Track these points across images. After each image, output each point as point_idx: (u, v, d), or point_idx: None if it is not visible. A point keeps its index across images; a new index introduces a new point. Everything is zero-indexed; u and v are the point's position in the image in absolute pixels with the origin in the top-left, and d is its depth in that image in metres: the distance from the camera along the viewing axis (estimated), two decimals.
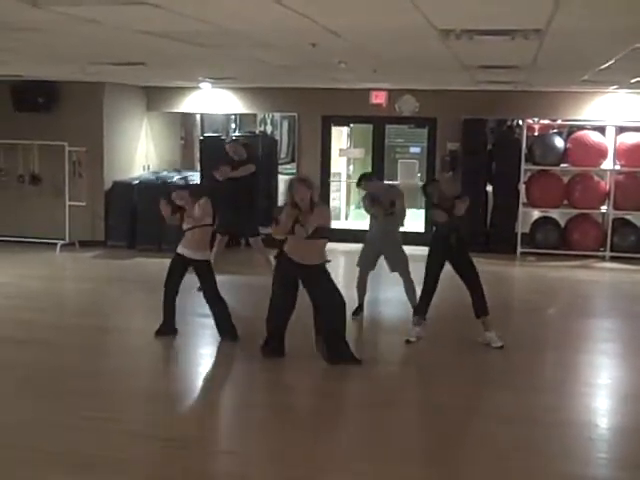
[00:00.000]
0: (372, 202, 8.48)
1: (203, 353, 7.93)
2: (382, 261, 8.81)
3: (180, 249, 7.80)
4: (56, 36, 5.97)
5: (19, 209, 13.06)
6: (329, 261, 7.42)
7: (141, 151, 13.99)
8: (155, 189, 12.46)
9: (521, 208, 12.91)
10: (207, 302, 7.85)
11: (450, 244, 7.78)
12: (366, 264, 8.78)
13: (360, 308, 8.80)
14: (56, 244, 12.59)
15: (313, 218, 6.90)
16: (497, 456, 5.38)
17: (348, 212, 16.59)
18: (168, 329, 7.88)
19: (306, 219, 6.88)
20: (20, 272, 11.14)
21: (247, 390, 6.83)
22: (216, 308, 7.80)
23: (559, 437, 5.73)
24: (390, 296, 9.43)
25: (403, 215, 8.64)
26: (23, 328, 8.28)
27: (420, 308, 7.99)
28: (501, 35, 5.47)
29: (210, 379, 7.27)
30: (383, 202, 8.44)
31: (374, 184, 8.86)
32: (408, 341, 7.87)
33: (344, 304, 7.19)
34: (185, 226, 7.75)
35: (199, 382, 7.21)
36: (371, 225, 8.82)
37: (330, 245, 12.29)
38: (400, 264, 8.67)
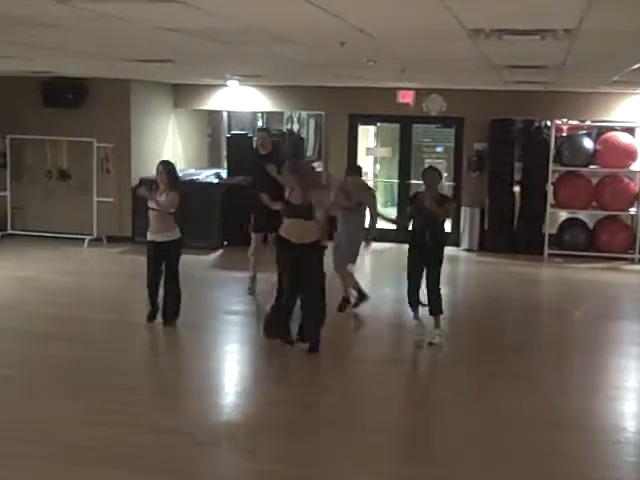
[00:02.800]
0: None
1: (229, 350, 7.94)
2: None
3: (150, 236, 8.08)
4: (82, 33, 5.99)
5: (47, 204, 13.18)
6: (325, 247, 7.69)
7: (168, 148, 14.04)
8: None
9: (548, 209, 12.81)
10: (165, 279, 8.11)
11: (425, 241, 7.76)
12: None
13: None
14: (84, 239, 12.67)
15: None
16: (525, 459, 5.35)
17: None
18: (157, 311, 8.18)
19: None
20: (48, 267, 11.23)
21: (270, 387, 6.83)
22: (171, 288, 8.10)
23: (587, 440, 5.69)
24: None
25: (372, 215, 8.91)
26: (51, 323, 8.35)
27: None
28: (531, 35, 5.41)
29: (235, 376, 7.28)
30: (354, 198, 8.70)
31: (355, 179, 9.02)
32: (431, 343, 7.81)
33: (323, 291, 7.47)
34: (150, 204, 8.07)
35: (224, 379, 7.22)
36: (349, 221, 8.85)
37: None
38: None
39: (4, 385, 6.50)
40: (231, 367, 7.53)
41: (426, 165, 14.48)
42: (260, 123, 15.71)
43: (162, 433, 5.58)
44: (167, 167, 8.24)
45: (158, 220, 8.00)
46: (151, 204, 8.07)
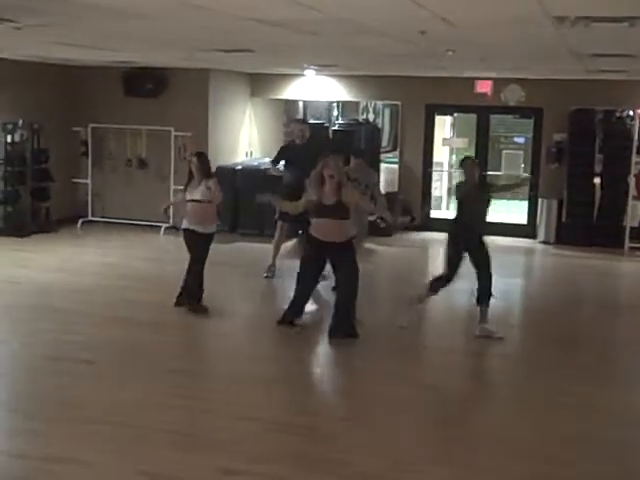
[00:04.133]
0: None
1: (301, 337, 7.97)
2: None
3: (188, 225, 8.28)
4: (167, 23, 6.09)
5: (126, 192, 13.46)
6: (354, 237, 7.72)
7: (244, 137, 14.17)
8: (257, 175, 12.62)
9: (630, 201, 12.51)
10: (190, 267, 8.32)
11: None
12: None
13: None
14: (160, 227, 12.88)
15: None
16: (603, 456, 5.24)
17: (449, 202, 16.43)
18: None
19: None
20: (128, 253, 11.47)
21: (344, 376, 6.85)
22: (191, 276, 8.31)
23: None
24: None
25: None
26: (132, 308, 8.52)
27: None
28: (618, 22, 5.28)
29: (308, 364, 7.31)
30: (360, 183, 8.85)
31: (358, 162, 9.27)
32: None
33: (356, 284, 7.54)
34: (191, 196, 8.23)
35: (299, 367, 7.26)
36: None
37: (430, 235, 12.28)
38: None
39: (88, 369, 6.65)
40: (303, 356, 7.54)
41: (504, 155, 14.35)
42: (336, 112, 15.71)
43: (240, 419, 5.65)
44: (201, 158, 8.38)
45: (201, 211, 8.19)
46: (192, 195, 8.22)
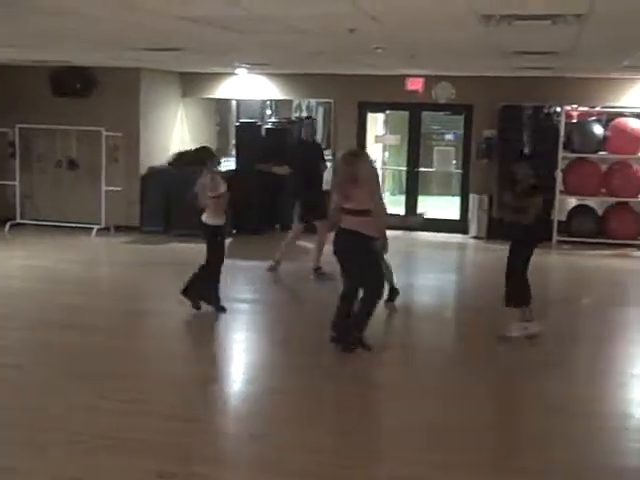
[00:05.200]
0: None
1: (236, 338, 7.95)
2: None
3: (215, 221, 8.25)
4: (93, 21, 5.99)
5: (57, 194, 13.21)
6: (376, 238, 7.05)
7: (177, 137, 14.04)
8: (189, 176, 12.50)
9: (558, 196, 12.77)
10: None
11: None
12: None
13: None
14: (92, 229, 12.69)
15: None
16: (533, 446, 5.34)
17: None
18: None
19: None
20: (57, 256, 11.25)
21: (278, 375, 6.83)
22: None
23: (594, 427, 5.67)
24: (424, 283, 9.37)
25: None
26: (61, 312, 8.36)
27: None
28: (542, 20, 5.39)
29: (242, 364, 7.28)
30: None
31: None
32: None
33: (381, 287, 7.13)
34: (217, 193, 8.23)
35: (232, 367, 7.24)
36: None
37: None
38: None
39: (15, 374, 6.50)
40: (240, 355, 7.53)
41: (435, 152, 14.46)
42: (269, 112, 15.67)
43: (172, 420, 5.59)
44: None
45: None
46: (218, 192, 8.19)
